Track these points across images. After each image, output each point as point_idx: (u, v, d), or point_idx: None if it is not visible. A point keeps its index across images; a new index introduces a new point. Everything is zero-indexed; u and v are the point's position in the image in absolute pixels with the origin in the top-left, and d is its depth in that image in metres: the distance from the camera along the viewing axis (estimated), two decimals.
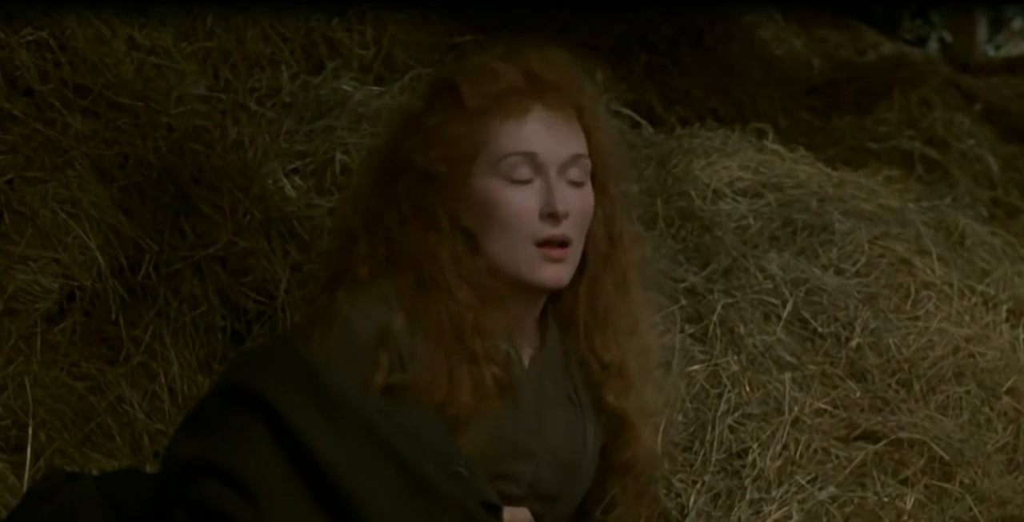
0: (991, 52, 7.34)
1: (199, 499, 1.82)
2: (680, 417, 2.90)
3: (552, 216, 2.14)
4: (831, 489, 2.75)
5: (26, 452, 2.77)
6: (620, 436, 2.30)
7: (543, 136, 2.15)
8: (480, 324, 2.13)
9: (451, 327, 2.12)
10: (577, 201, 2.18)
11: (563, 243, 2.17)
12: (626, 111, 4.32)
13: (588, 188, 2.21)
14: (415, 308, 2.13)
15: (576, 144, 2.19)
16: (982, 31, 7.21)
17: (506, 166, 2.14)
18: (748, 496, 2.75)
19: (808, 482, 2.77)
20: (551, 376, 2.24)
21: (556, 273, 2.17)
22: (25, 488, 2.58)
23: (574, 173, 2.18)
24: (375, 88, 4.03)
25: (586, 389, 2.28)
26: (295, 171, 3.61)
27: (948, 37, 7.33)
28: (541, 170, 2.15)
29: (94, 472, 2.73)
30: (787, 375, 3.00)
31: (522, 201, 2.14)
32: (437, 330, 2.12)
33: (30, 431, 2.80)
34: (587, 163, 2.20)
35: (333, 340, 2.10)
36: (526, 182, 2.14)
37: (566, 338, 2.27)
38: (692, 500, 2.78)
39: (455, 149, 2.14)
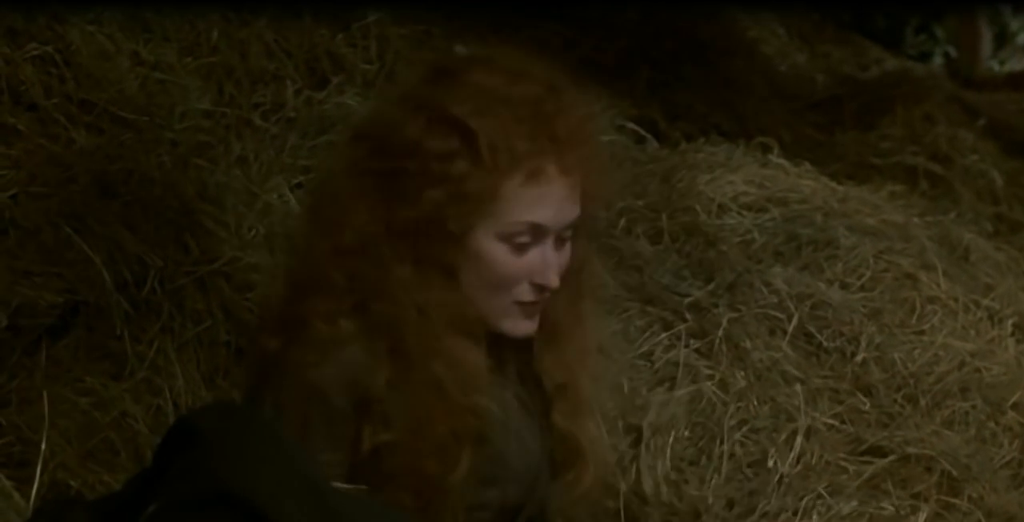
0: (995, 67, 7.32)
1: None
2: (687, 433, 2.89)
3: (542, 288, 2.11)
4: (842, 504, 2.74)
5: (30, 468, 2.77)
6: (566, 456, 2.27)
7: (553, 207, 2.08)
8: (461, 377, 2.05)
9: (432, 382, 2.03)
10: (563, 260, 2.13)
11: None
12: (630, 126, 4.34)
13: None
14: (394, 362, 2.03)
15: (575, 207, 2.12)
16: (986, 46, 7.19)
17: (512, 231, 2.06)
18: (760, 510, 2.75)
19: (817, 498, 2.77)
20: (510, 391, 2.21)
21: (528, 327, 2.13)
22: (31, 505, 2.57)
23: (566, 232, 2.14)
24: None
25: (537, 397, 2.25)
26: (299, 186, 3.61)
27: (952, 52, 7.33)
28: (541, 238, 2.10)
29: (98, 486, 2.73)
30: (796, 388, 2.99)
31: (518, 268, 2.08)
32: (418, 385, 2.03)
33: (43, 449, 2.79)
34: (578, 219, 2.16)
35: (308, 415, 1.99)
36: (525, 246, 2.10)
37: (520, 352, 2.23)
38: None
39: (471, 206, 2.04)
